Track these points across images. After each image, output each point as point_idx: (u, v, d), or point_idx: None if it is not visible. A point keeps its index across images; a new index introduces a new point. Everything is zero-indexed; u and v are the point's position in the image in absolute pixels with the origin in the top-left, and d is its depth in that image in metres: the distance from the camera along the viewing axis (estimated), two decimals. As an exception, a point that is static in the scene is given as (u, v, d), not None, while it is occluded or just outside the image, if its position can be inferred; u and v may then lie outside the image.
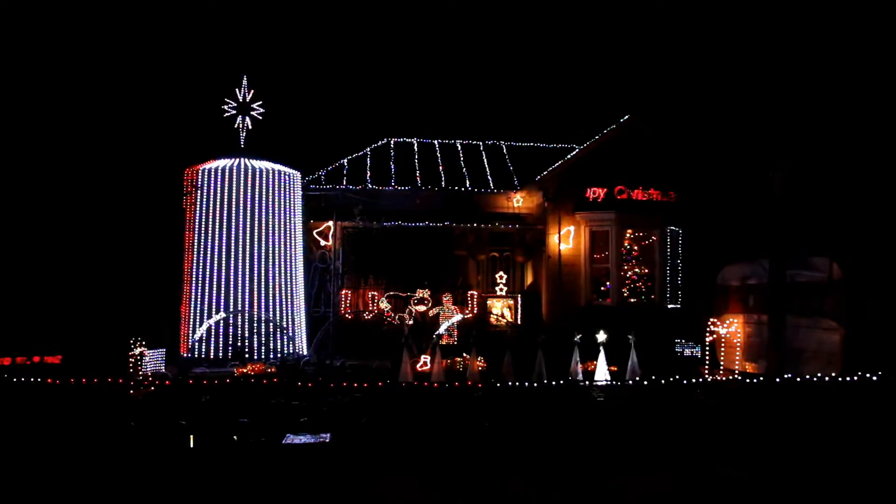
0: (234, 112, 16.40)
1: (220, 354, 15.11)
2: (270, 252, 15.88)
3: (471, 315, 17.48)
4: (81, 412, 10.10)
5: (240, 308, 15.37)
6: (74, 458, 7.88)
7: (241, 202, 15.72)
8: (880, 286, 13.55)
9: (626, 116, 18.66)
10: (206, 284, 15.47)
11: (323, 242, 17.96)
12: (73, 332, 15.21)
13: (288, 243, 16.34)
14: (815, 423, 10.02)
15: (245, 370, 13.39)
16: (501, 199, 19.88)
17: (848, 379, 12.35)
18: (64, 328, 15.34)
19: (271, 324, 15.52)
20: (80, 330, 15.36)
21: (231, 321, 15.12)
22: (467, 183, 19.91)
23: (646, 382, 12.39)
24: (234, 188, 15.73)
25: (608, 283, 17.84)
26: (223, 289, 15.42)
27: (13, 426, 9.41)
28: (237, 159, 15.95)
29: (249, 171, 15.85)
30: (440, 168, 20.39)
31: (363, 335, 16.48)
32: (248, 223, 15.71)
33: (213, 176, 15.79)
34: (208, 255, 15.57)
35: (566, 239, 18.14)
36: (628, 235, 17.89)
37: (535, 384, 12.32)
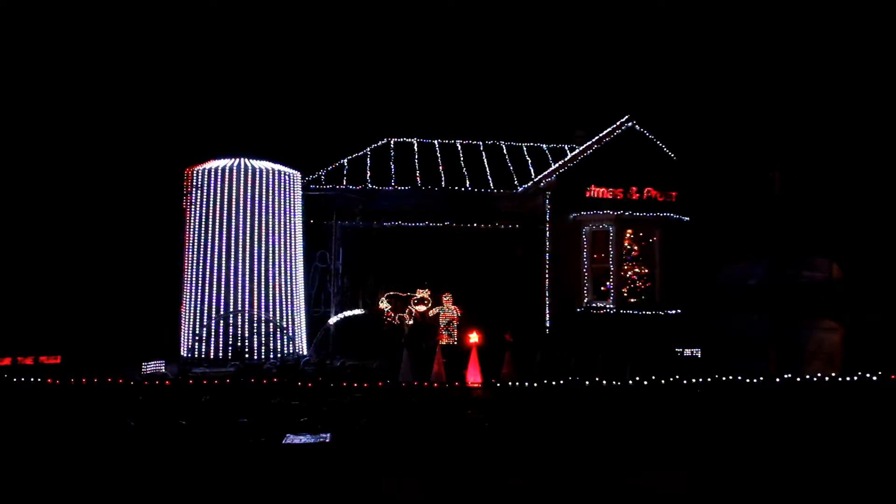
0: None
1: (220, 354, 15.12)
2: (270, 252, 15.88)
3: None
4: (81, 412, 10.10)
5: (240, 308, 15.37)
6: (74, 458, 7.88)
7: (241, 202, 15.71)
8: (880, 286, 13.58)
9: (626, 117, 18.69)
10: (206, 284, 15.48)
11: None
12: (73, 332, 15.21)
13: (288, 243, 16.34)
14: (815, 422, 10.02)
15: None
16: (501, 199, 19.87)
17: (848, 379, 12.37)
18: (63, 328, 15.34)
19: (271, 324, 15.52)
20: (80, 330, 15.37)
21: (232, 321, 15.12)
22: (467, 183, 19.91)
23: (646, 382, 12.39)
24: (234, 188, 15.72)
25: (608, 283, 17.85)
26: (223, 289, 15.42)
27: (13, 426, 9.41)
28: (237, 159, 15.96)
29: (249, 171, 15.85)
30: (440, 168, 20.39)
31: (363, 335, 16.50)
32: (248, 223, 15.71)
33: (213, 176, 15.79)
34: (208, 255, 15.57)
35: (566, 239, 18.15)
36: (628, 235, 17.90)
37: (536, 384, 12.32)
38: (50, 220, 18.49)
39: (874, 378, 12.30)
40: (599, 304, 17.83)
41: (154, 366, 13.91)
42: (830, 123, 20.60)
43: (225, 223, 15.64)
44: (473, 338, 13.68)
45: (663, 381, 12.72)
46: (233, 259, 15.53)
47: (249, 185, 15.82)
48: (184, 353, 15.30)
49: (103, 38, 22.41)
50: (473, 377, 13.01)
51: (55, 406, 10.58)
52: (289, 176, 16.63)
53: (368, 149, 20.95)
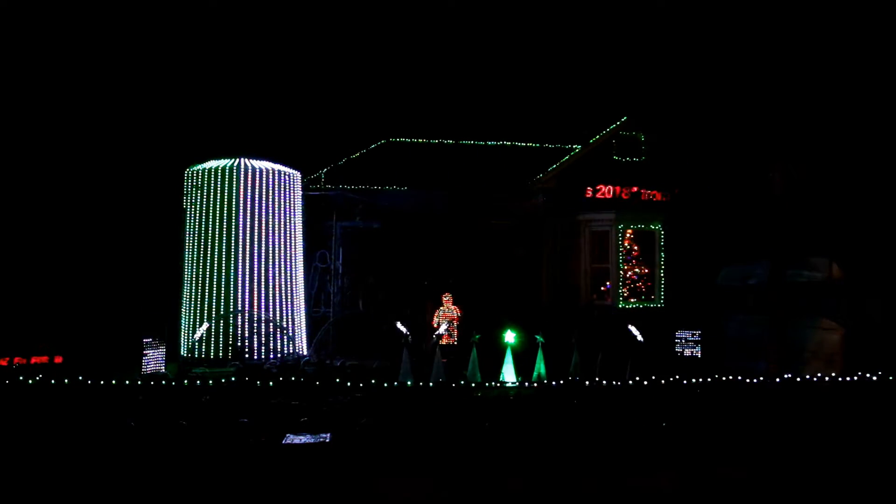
0: None
1: (220, 354, 15.12)
2: (270, 252, 15.88)
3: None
4: (81, 412, 10.10)
5: (240, 308, 15.38)
6: (74, 458, 7.88)
7: (241, 202, 15.72)
8: (880, 286, 13.57)
9: (625, 117, 18.71)
10: (206, 284, 15.49)
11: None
12: (74, 332, 15.20)
13: (288, 243, 16.35)
14: (815, 423, 10.03)
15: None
16: (501, 198, 19.88)
17: (848, 379, 12.37)
18: (65, 328, 15.33)
19: (271, 324, 15.53)
20: (81, 330, 15.36)
21: (226, 322, 15.11)
22: (467, 183, 19.91)
23: (645, 382, 12.38)
24: (234, 188, 15.73)
25: (608, 283, 17.86)
26: (223, 289, 15.43)
27: (14, 426, 9.41)
28: (237, 159, 15.96)
29: (249, 171, 15.86)
30: (440, 168, 20.41)
31: (363, 335, 16.50)
32: (248, 223, 15.71)
33: (213, 176, 15.80)
34: (208, 255, 15.58)
35: (565, 239, 18.16)
36: (628, 235, 17.91)
37: (535, 384, 12.33)
38: (50, 220, 18.49)
39: (874, 378, 12.30)
40: (599, 304, 17.83)
41: (154, 366, 13.91)
42: (830, 123, 20.59)
43: (225, 223, 15.64)
44: None
45: (663, 381, 12.72)
46: (233, 259, 15.53)
47: (249, 185, 15.82)
48: (184, 353, 15.31)
49: (103, 39, 22.40)
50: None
51: (58, 406, 10.58)
52: (289, 176, 16.63)
53: (368, 149, 20.96)
